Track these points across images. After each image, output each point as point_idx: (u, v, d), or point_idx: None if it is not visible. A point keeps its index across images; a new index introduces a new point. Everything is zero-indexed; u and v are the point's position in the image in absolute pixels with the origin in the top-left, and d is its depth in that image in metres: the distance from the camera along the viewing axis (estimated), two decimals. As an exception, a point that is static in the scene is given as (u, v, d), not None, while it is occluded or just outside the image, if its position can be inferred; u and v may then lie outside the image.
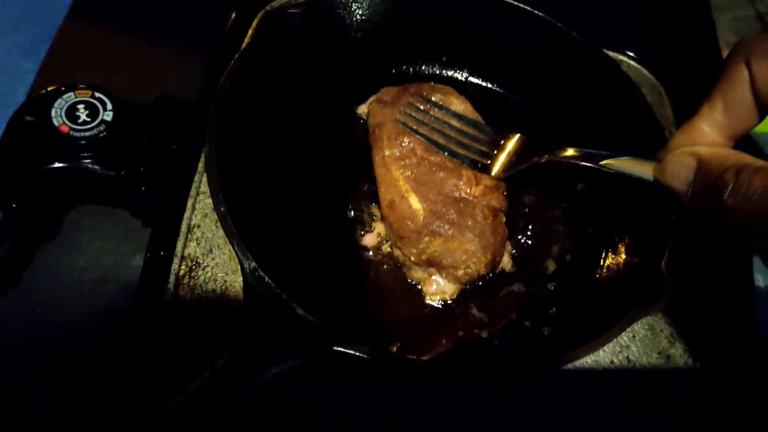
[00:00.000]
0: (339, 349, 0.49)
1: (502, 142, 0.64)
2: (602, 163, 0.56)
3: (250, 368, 0.48)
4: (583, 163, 0.58)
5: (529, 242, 0.65)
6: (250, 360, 0.48)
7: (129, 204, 0.68)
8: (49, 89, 0.66)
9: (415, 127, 0.65)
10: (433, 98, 0.67)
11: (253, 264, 0.51)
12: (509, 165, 0.63)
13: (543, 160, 0.61)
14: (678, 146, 0.51)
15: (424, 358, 0.57)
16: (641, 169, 0.54)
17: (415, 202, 0.61)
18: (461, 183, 0.62)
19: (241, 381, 0.48)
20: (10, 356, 0.61)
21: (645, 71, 0.79)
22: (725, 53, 0.59)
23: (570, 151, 0.59)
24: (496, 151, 0.64)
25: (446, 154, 0.64)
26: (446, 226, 0.60)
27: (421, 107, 0.66)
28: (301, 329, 0.49)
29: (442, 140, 0.65)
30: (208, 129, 0.56)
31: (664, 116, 0.76)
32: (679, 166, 0.49)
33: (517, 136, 0.64)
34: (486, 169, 0.64)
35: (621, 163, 0.55)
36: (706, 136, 0.50)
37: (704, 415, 0.61)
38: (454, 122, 0.66)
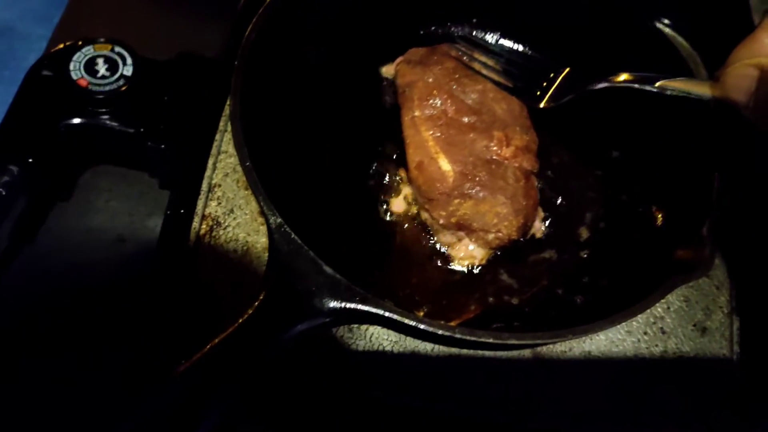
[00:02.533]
0: (367, 308, 0.47)
1: (552, 74, 0.63)
2: (658, 84, 0.55)
3: (276, 325, 0.46)
4: (639, 86, 0.56)
5: (562, 209, 0.63)
6: (275, 317, 0.46)
7: (146, 164, 0.67)
8: (67, 44, 0.64)
9: (461, 57, 0.64)
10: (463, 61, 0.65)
11: (279, 219, 0.49)
12: (560, 94, 0.62)
13: (596, 87, 0.59)
14: (738, 60, 0.49)
15: (453, 323, 0.55)
16: (699, 88, 0.52)
17: (444, 164, 0.58)
18: (492, 144, 0.60)
19: (265, 338, 0.46)
20: (22, 316, 0.60)
21: (681, 39, 0.76)
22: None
23: (624, 76, 0.58)
24: (545, 83, 0.63)
25: (494, 83, 0.63)
26: (477, 188, 0.57)
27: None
28: (328, 288, 0.47)
29: (488, 70, 0.64)
30: (233, 83, 0.54)
31: (701, 86, 0.73)
32: (740, 77, 0.48)
33: (568, 68, 0.63)
34: (535, 99, 0.62)
35: (678, 84, 0.54)
36: (767, 46, 0.48)
37: (741, 392, 0.59)
38: (503, 52, 0.66)
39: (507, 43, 0.72)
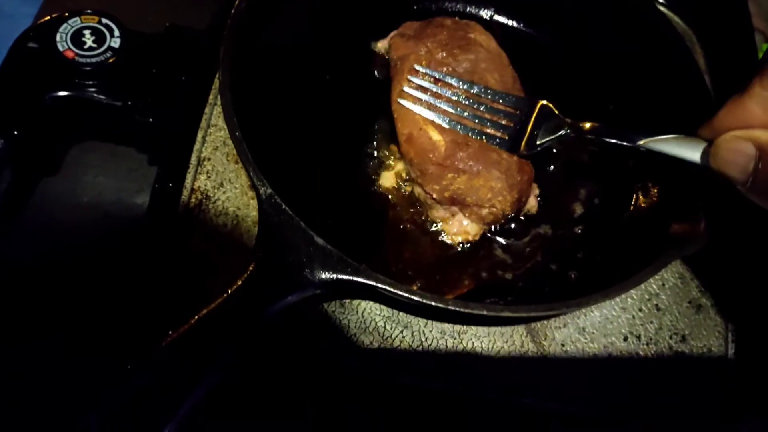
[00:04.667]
0: (360, 280, 0.46)
1: (523, 115, 0.57)
2: (641, 143, 0.51)
3: (265, 297, 0.45)
4: (617, 142, 0.53)
5: (556, 185, 0.62)
6: (264, 288, 0.45)
7: (134, 139, 0.65)
8: (53, 15, 0.63)
9: (422, 102, 0.59)
10: (456, 34, 0.63)
11: (270, 190, 0.48)
12: (533, 140, 0.57)
13: (571, 136, 0.56)
14: (726, 127, 0.45)
15: (447, 297, 0.54)
16: (688, 152, 0.48)
17: (434, 134, 0.58)
18: (485, 116, 0.59)
19: (254, 309, 0.45)
20: (7, 291, 0.58)
21: (676, 18, 0.76)
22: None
23: (602, 129, 0.54)
24: (517, 126, 0.57)
25: (459, 130, 0.57)
26: (470, 162, 0.56)
27: (431, 76, 0.60)
28: (319, 259, 0.46)
29: (454, 114, 0.58)
30: (221, 53, 0.53)
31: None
32: (735, 153, 0.44)
33: (540, 104, 0.57)
34: (507, 145, 0.57)
35: (664, 144, 0.50)
36: (757, 117, 0.44)
37: (735, 368, 0.59)
38: (468, 92, 0.59)
39: (501, 18, 0.72)
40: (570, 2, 0.68)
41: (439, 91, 0.59)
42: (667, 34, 0.63)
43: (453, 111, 0.58)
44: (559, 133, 0.57)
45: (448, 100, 0.59)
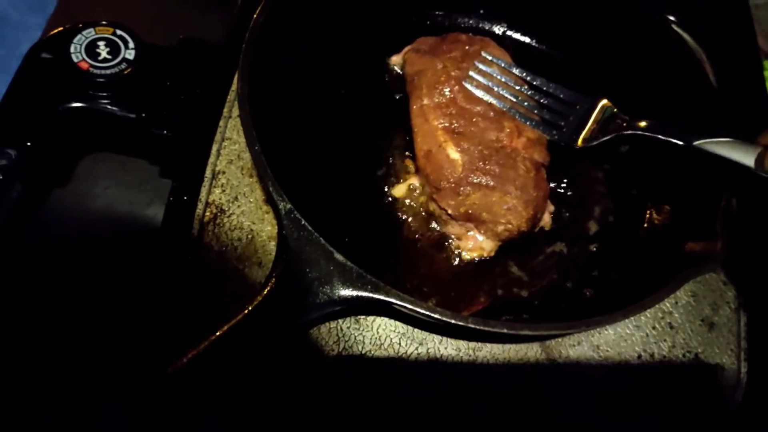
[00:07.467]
0: (379, 297, 0.46)
1: (578, 106, 0.61)
2: (696, 143, 0.52)
3: (286, 313, 0.45)
4: (672, 140, 0.54)
5: (571, 202, 0.62)
6: (285, 305, 0.45)
7: (147, 151, 0.65)
8: (67, 26, 0.62)
9: (483, 89, 0.61)
10: (471, 50, 0.64)
11: (289, 206, 0.48)
12: (592, 135, 0.60)
13: (628, 133, 0.58)
14: None
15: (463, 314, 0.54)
16: (741, 155, 0.50)
17: (453, 152, 0.58)
18: (503, 134, 0.59)
19: (275, 326, 0.45)
20: (17, 306, 0.58)
21: (686, 36, 0.76)
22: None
23: (657, 126, 0.56)
24: (575, 120, 0.61)
25: (517, 117, 0.61)
26: (486, 178, 0.57)
27: (489, 66, 0.63)
28: (338, 275, 0.46)
29: (514, 102, 0.62)
30: (240, 64, 0.53)
31: (706, 82, 0.73)
32: None
33: (601, 103, 0.60)
34: (565, 138, 0.61)
35: (719, 147, 0.51)
36: None
37: (748, 387, 0.59)
38: (531, 83, 0.63)
39: (514, 34, 0.72)
40: (582, 19, 0.68)
41: (503, 79, 0.62)
42: (679, 50, 0.63)
43: (514, 99, 0.61)
44: (616, 132, 0.59)
45: (510, 89, 0.62)
